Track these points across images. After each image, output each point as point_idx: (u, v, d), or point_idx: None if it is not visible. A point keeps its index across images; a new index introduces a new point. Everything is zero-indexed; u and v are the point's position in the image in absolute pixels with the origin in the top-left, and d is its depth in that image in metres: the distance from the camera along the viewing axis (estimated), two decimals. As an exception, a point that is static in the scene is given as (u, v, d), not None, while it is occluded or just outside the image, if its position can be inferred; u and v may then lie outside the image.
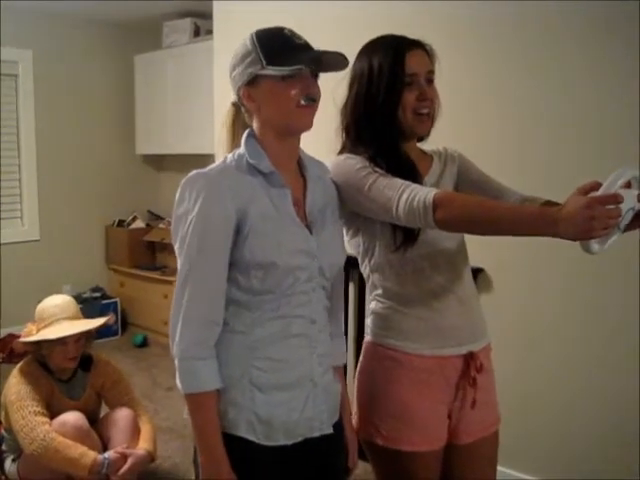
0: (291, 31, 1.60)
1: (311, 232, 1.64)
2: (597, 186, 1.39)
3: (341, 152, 1.85)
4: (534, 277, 3.04)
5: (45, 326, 3.04)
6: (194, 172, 1.57)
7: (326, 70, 1.60)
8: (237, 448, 1.57)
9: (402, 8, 3.33)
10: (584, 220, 1.33)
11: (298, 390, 1.62)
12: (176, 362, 1.55)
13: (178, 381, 1.55)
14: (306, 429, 1.64)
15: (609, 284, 2.80)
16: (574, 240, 1.39)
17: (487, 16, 3.08)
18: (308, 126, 1.60)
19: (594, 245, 1.41)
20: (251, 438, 1.58)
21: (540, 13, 2.91)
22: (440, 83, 1.83)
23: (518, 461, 3.01)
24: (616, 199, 1.33)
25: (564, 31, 2.87)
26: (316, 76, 1.60)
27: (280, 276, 1.56)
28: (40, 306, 3.14)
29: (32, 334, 3.05)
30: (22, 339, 3.07)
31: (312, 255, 1.62)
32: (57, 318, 3.05)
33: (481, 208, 1.56)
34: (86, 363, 3.18)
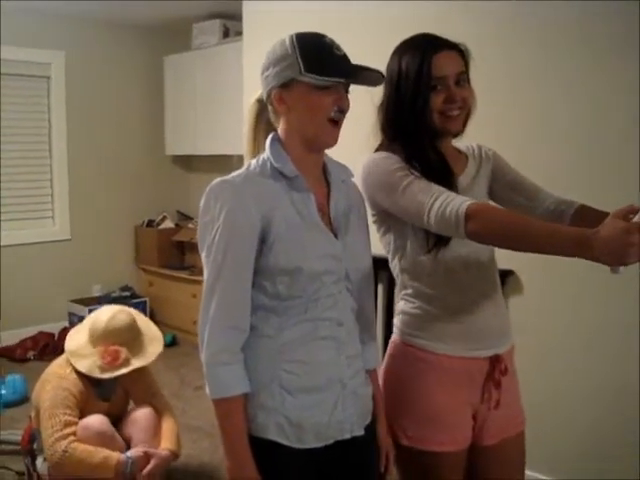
0: (332, 40, 1.59)
1: (336, 236, 1.64)
2: (633, 209, 1.37)
3: (378, 149, 1.84)
4: (563, 279, 3.01)
5: (122, 344, 3.04)
6: (218, 180, 1.58)
7: (361, 84, 1.59)
8: (267, 451, 1.58)
9: (427, 9, 3.33)
10: (622, 246, 1.31)
11: (328, 392, 1.61)
12: (204, 368, 1.56)
13: (207, 387, 1.57)
14: (337, 431, 1.63)
15: (628, 296, 2.77)
16: (607, 264, 1.37)
17: (494, 22, 3.09)
18: (333, 143, 1.61)
19: (620, 267, 1.39)
20: (282, 441, 1.58)
21: (548, 19, 2.92)
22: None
23: (533, 461, 3.00)
24: None
25: (570, 37, 2.89)
26: (347, 89, 1.60)
27: (306, 281, 1.56)
28: (107, 322, 3.08)
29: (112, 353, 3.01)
30: (120, 370, 3.01)
31: (339, 259, 1.62)
32: (137, 342, 3.10)
33: (515, 224, 1.54)
34: None
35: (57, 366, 3.06)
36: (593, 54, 2.83)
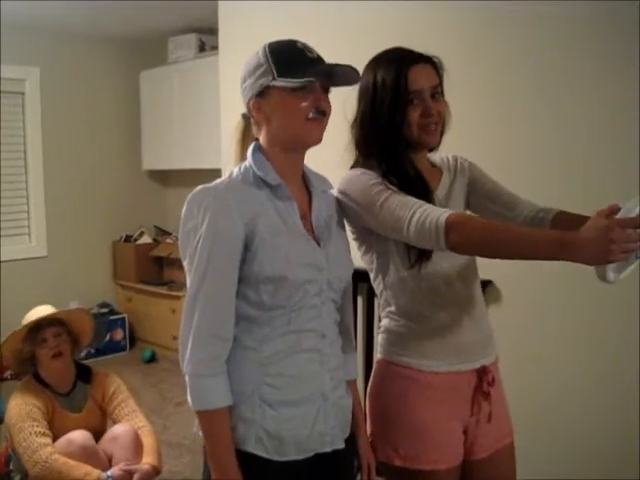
0: (304, 44, 1.60)
1: (319, 245, 1.64)
2: (616, 209, 1.37)
3: (354, 166, 1.83)
4: (543, 289, 3.02)
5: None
6: (201, 187, 1.57)
7: (337, 84, 1.60)
8: (247, 463, 1.57)
9: (408, 13, 3.32)
10: (603, 243, 1.30)
11: (309, 405, 1.61)
12: (187, 379, 1.54)
13: (189, 398, 1.55)
14: (317, 444, 1.62)
15: (617, 299, 2.77)
16: (591, 264, 1.37)
17: (493, 24, 3.08)
18: (317, 140, 1.60)
19: (610, 273, 1.38)
20: (261, 454, 1.57)
21: (547, 19, 2.90)
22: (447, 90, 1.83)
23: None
24: (636, 223, 1.31)
25: (570, 38, 2.86)
26: (327, 90, 1.60)
27: (290, 290, 1.55)
28: None
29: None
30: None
31: (321, 268, 1.61)
32: (31, 318, 3.07)
33: (495, 232, 1.53)
34: (85, 375, 3.18)
35: (21, 383, 3.08)
36: (589, 59, 2.81)
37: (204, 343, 1.53)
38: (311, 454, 1.62)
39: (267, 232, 1.55)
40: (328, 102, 1.60)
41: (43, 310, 3.13)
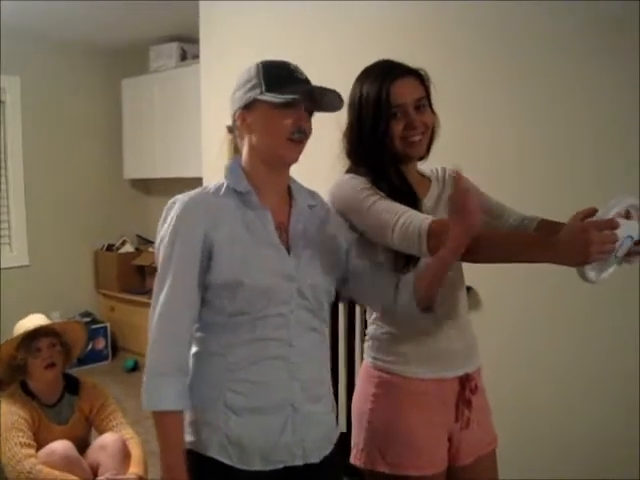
0: (296, 66, 1.64)
1: (289, 254, 1.64)
2: (593, 212, 1.40)
3: (346, 172, 1.85)
4: (523, 294, 3.03)
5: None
6: (173, 198, 1.62)
7: (321, 109, 1.64)
8: (210, 469, 1.58)
9: (392, 16, 3.34)
10: (580, 245, 1.33)
11: (276, 415, 1.60)
12: (143, 378, 1.55)
13: (142, 397, 1.54)
14: (286, 456, 1.61)
15: (601, 299, 2.77)
16: (571, 266, 1.40)
17: (484, 31, 3.11)
18: (293, 161, 1.64)
19: (590, 273, 1.42)
20: (224, 460, 1.57)
21: (534, 23, 2.93)
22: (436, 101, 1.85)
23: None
24: (612, 225, 1.34)
25: (555, 42, 2.88)
26: (310, 113, 1.63)
27: (250, 297, 1.56)
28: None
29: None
30: None
31: (289, 277, 1.61)
32: (26, 326, 3.04)
33: (477, 237, 1.54)
34: (73, 386, 3.15)
35: (7, 393, 3.04)
36: (584, 68, 2.82)
37: (161, 342, 1.56)
38: (280, 466, 1.61)
39: (225, 241, 1.57)
40: (309, 124, 1.63)
41: (38, 319, 3.11)
